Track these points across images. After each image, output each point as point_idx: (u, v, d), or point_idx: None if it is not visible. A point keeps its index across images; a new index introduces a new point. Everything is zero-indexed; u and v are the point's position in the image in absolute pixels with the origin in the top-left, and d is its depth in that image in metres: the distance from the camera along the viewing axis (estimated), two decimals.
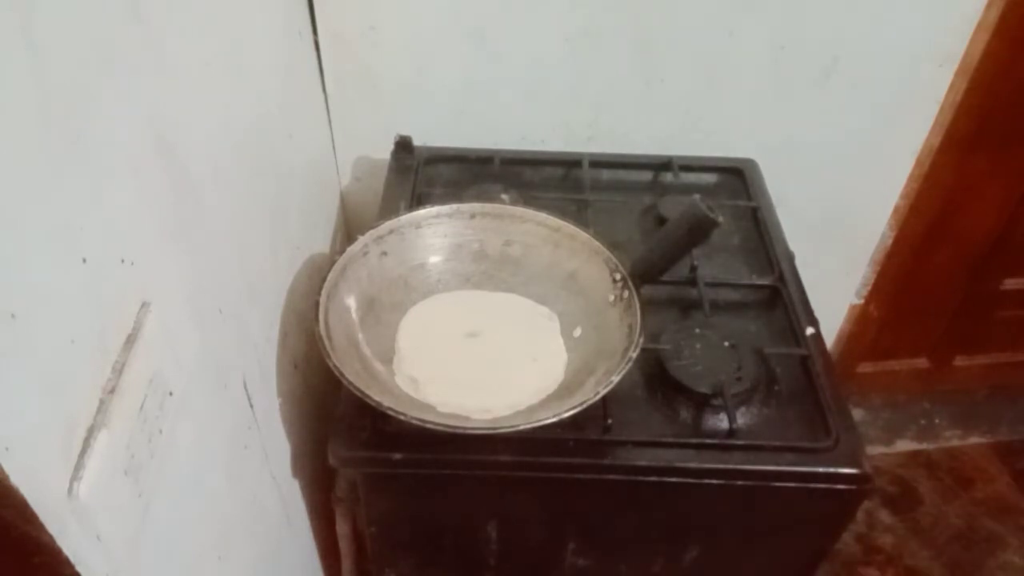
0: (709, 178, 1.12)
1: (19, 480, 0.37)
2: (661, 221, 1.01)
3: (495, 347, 0.84)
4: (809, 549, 0.87)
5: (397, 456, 0.75)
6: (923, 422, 1.70)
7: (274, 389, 0.84)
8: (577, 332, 0.84)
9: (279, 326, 0.85)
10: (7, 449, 0.37)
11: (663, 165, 1.10)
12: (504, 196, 0.98)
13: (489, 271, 0.90)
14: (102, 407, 0.46)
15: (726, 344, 0.84)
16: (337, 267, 0.81)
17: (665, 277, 0.85)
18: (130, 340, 0.50)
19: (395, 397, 0.76)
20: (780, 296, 0.92)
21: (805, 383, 0.83)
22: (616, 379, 0.72)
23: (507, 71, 1.12)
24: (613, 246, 0.85)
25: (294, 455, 0.91)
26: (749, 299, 0.94)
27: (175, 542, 0.58)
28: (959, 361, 1.67)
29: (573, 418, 0.70)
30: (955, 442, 1.67)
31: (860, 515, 1.50)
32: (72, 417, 0.44)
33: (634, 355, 0.74)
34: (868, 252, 1.40)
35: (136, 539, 0.50)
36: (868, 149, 1.23)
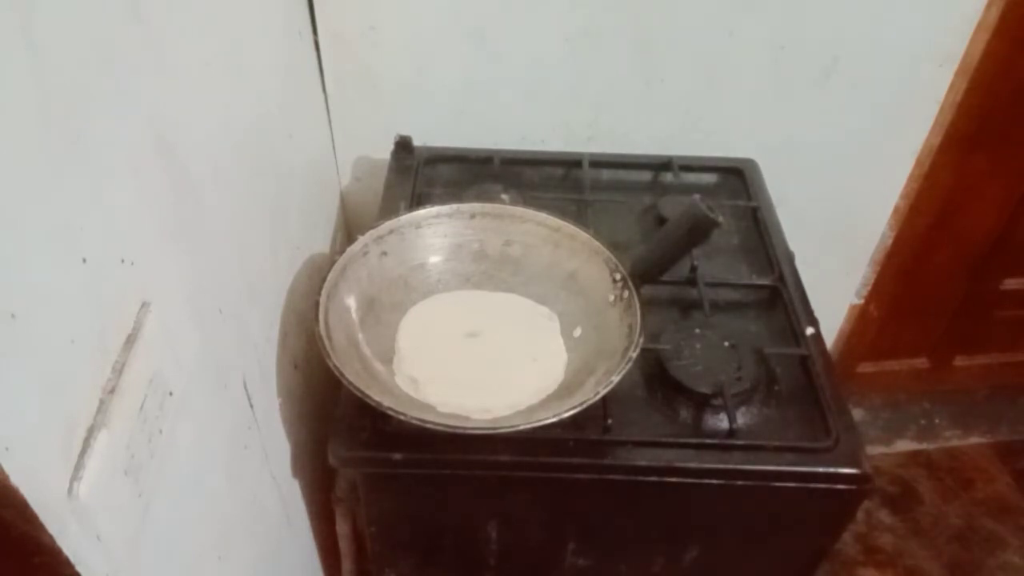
0: (709, 178, 1.12)
1: (19, 480, 0.37)
2: (661, 221, 1.01)
3: (495, 347, 0.84)
4: (809, 549, 0.87)
5: (397, 456, 0.75)
6: (923, 422, 1.70)
7: (274, 389, 0.84)
8: (577, 332, 0.84)
9: (279, 326, 0.85)
10: (7, 449, 0.37)
11: (663, 165, 1.10)
12: (504, 196, 0.98)
13: (489, 271, 0.90)
14: (102, 407, 0.46)
15: (726, 344, 0.84)
16: (337, 267, 0.81)
17: (665, 277, 0.85)
18: (130, 340, 0.50)
19: (395, 397, 0.76)
20: (780, 296, 0.92)
21: (805, 383, 0.83)
22: (616, 379, 0.72)
23: (507, 71, 1.12)
24: (613, 246, 0.85)
25: (294, 455, 0.91)
26: (749, 299, 0.94)
27: (175, 542, 0.58)
28: (959, 361, 1.67)
29: (573, 418, 0.70)
30: (955, 442, 1.67)
31: (860, 515, 1.50)
32: (72, 417, 0.44)
33: (634, 355, 0.74)
34: (868, 252, 1.40)
35: (136, 539, 0.50)
36: (868, 149, 1.23)
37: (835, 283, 1.43)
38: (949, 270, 1.48)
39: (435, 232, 0.89)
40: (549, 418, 0.69)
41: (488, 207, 0.90)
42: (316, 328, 0.75)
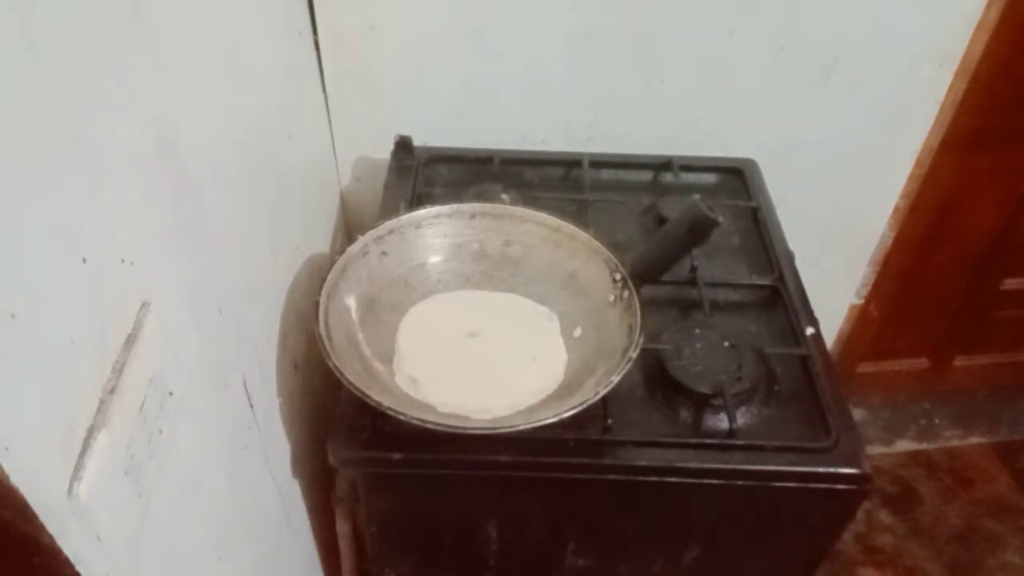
0: (709, 178, 1.12)
1: (19, 480, 0.37)
2: (661, 221, 1.01)
3: (495, 347, 0.84)
4: (809, 549, 0.87)
5: (397, 456, 0.75)
6: (923, 422, 1.70)
7: (274, 389, 0.84)
8: (577, 332, 0.84)
9: (279, 326, 0.85)
10: (7, 449, 0.37)
11: (663, 165, 1.10)
12: (504, 196, 0.98)
13: (489, 271, 0.90)
14: (102, 407, 0.46)
15: (726, 344, 0.84)
16: (337, 267, 0.81)
17: (665, 277, 0.85)
18: (130, 340, 0.50)
19: (395, 397, 0.76)
20: (780, 296, 0.92)
21: (805, 383, 0.83)
22: (616, 379, 0.72)
23: (507, 71, 1.12)
24: (613, 246, 0.85)
25: (294, 455, 0.91)
26: (749, 299, 0.94)
27: (175, 542, 0.58)
28: (959, 361, 1.67)
29: (573, 418, 0.70)
30: (955, 442, 1.67)
31: (860, 515, 1.50)
32: (72, 417, 0.44)
33: (634, 355, 0.74)
34: (868, 252, 1.40)
35: (136, 539, 0.50)
36: (868, 149, 1.23)
37: (835, 283, 1.43)
38: (949, 270, 1.48)
39: (435, 232, 0.89)
40: (549, 418, 0.69)
41: (488, 207, 0.90)
42: (316, 328, 0.75)
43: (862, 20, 1.09)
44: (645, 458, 0.76)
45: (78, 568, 0.42)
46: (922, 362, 1.66)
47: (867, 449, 0.78)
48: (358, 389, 0.70)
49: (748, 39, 1.10)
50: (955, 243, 1.44)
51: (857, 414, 1.66)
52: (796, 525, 0.84)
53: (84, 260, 0.45)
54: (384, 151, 1.10)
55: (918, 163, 1.27)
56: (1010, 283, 1.55)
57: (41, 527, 0.39)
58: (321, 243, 1.08)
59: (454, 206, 0.90)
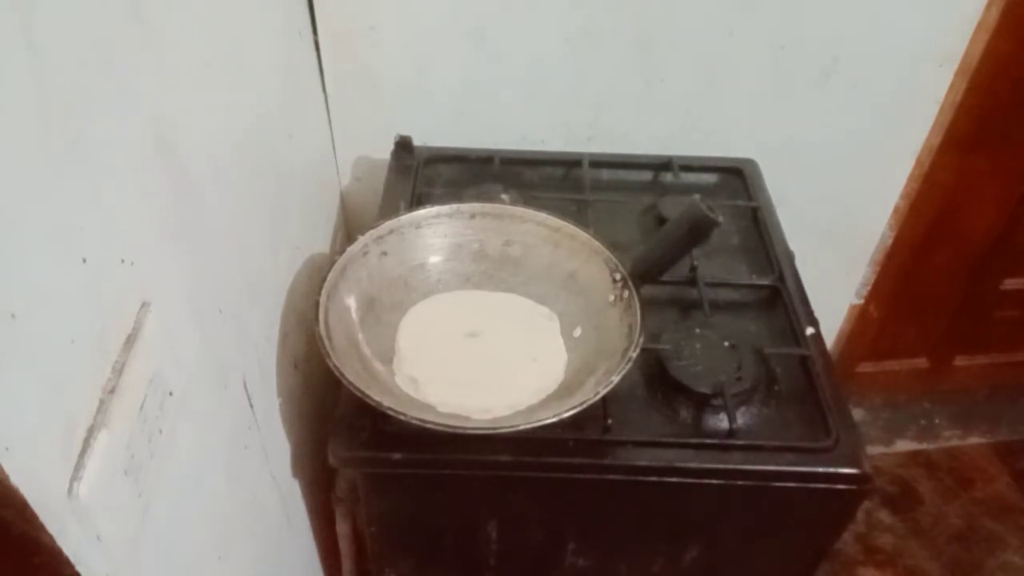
0: (709, 178, 1.12)
1: (19, 480, 0.37)
2: (661, 221, 1.01)
3: (495, 347, 0.84)
4: (809, 549, 0.87)
5: (397, 456, 0.75)
6: (923, 422, 1.70)
7: (274, 389, 0.84)
8: (577, 332, 0.84)
9: (279, 326, 0.85)
10: (7, 449, 0.37)
11: (663, 165, 1.10)
12: (504, 196, 0.98)
13: (489, 271, 0.90)
14: (102, 407, 0.46)
15: (726, 344, 0.84)
16: (337, 267, 0.81)
17: (665, 277, 0.85)
18: (130, 340, 0.50)
19: (395, 397, 0.76)
20: (780, 296, 0.92)
21: (805, 383, 0.83)
22: (616, 379, 0.72)
23: (507, 71, 1.12)
24: (613, 246, 0.85)
25: (294, 455, 0.91)
26: (749, 299, 0.94)
27: (175, 542, 0.58)
28: (959, 361, 1.67)
29: (573, 418, 0.70)
30: (955, 442, 1.67)
31: (860, 515, 1.50)
32: (72, 417, 0.44)
33: (634, 355, 0.74)
34: (868, 252, 1.40)
35: (136, 539, 0.50)
36: (868, 149, 1.23)
37: (835, 283, 1.43)
38: (949, 270, 1.48)
39: (435, 232, 0.89)
40: (549, 418, 0.69)
41: (488, 207, 0.90)
42: (316, 328, 0.75)
43: (862, 20, 1.09)
44: (645, 458, 0.76)
45: (78, 568, 0.42)
46: (922, 362, 1.66)
47: (867, 449, 0.78)
48: (358, 389, 0.70)
49: (748, 39, 1.10)
50: (955, 243, 1.43)
51: (857, 414, 1.66)
52: (796, 525, 0.84)
53: (84, 260, 0.45)
54: (384, 151, 1.09)
55: (918, 163, 1.27)
56: (1010, 283, 1.55)
57: (41, 527, 0.39)
58: (321, 243, 1.08)
59: (454, 206, 0.90)
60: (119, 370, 0.48)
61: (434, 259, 0.89)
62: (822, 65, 1.14)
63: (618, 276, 0.82)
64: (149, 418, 0.51)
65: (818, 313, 0.91)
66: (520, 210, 0.90)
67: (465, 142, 1.12)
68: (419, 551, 0.90)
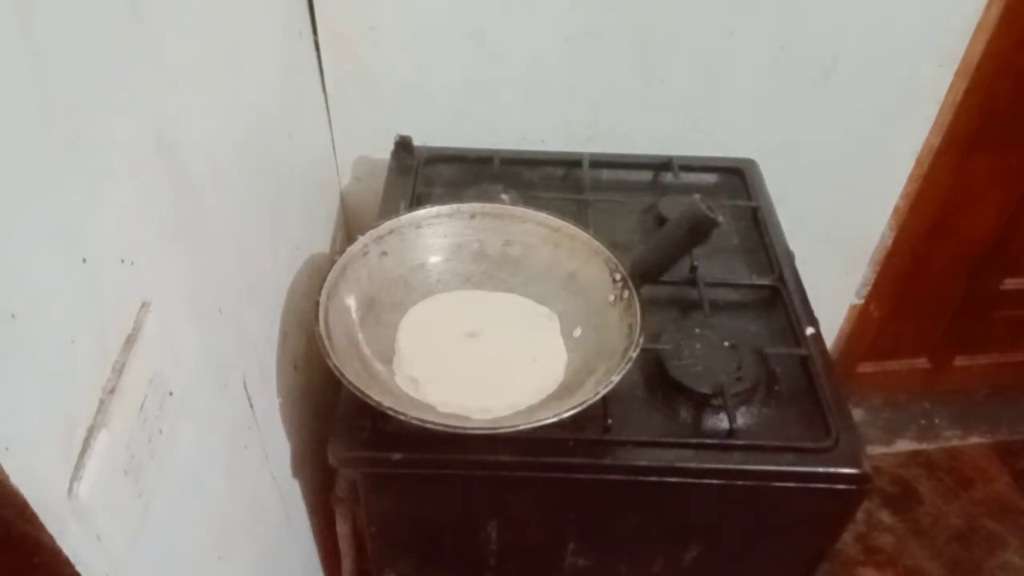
0: (709, 178, 1.12)
1: (19, 480, 0.37)
2: (661, 221, 1.01)
3: (495, 347, 0.84)
4: (809, 549, 0.87)
5: (397, 456, 0.75)
6: (923, 422, 1.70)
7: (274, 389, 0.84)
8: (577, 332, 0.84)
9: (279, 326, 0.85)
10: (7, 449, 0.37)
11: (663, 165, 1.10)
12: (504, 196, 0.98)
13: (489, 271, 0.90)
14: (102, 407, 0.46)
15: (726, 344, 0.84)
16: (337, 267, 0.81)
17: (665, 277, 0.85)
18: (130, 340, 0.50)
19: (395, 397, 0.76)
20: (780, 296, 0.92)
21: (805, 383, 0.83)
22: (616, 379, 0.72)
23: (507, 71, 1.12)
24: (613, 246, 0.85)
25: (294, 455, 0.91)
26: (749, 299, 0.94)
27: (175, 542, 0.58)
28: (959, 361, 1.67)
29: (573, 418, 0.70)
30: (955, 442, 1.67)
31: (860, 515, 1.50)
32: (72, 417, 0.44)
33: (634, 355, 0.74)
34: (868, 252, 1.40)
35: (136, 539, 0.50)
36: (868, 149, 1.23)
37: (835, 283, 1.43)
38: (949, 270, 1.48)
39: (435, 232, 0.89)
40: (549, 418, 0.69)
41: (488, 207, 0.90)
42: (316, 328, 0.75)
43: (862, 20, 1.09)
44: (645, 458, 0.76)
45: (78, 568, 0.42)
46: (922, 362, 1.66)
47: (867, 449, 0.78)
48: (358, 389, 0.70)
49: (748, 39, 1.10)
50: (955, 243, 1.43)
51: (857, 414, 1.66)
52: (796, 525, 0.84)
53: (84, 260, 0.45)
54: (384, 151, 1.09)
55: (918, 163, 1.27)
56: (1010, 283, 1.55)
57: (41, 527, 0.39)
58: (321, 243, 1.08)
59: (454, 206, 0.90)
60: (119, 370, 0.48)
61: (434, 259, 0.89)
62: (822, 65, 1.14)
63: (618, 276, 0.82)
64: (149, 418, 0.51)
65: (818, 313, 0.91)
66: (520, 210, 0.90)
67: (465, 142, 1.12)
68: (419, 551, 0.90)
